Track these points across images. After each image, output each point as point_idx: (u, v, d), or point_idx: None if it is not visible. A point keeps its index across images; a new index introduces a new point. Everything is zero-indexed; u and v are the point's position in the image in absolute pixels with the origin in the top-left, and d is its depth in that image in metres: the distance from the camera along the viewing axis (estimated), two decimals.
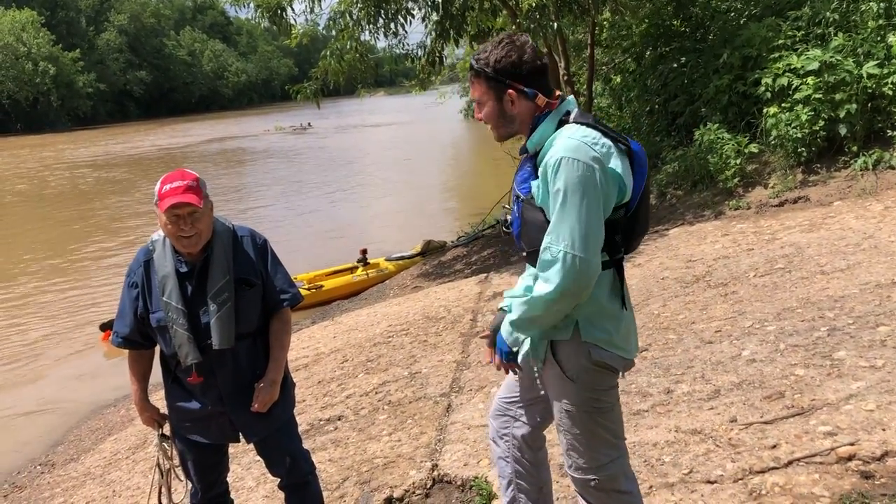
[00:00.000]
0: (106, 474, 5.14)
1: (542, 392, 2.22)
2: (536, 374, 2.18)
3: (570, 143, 1.94)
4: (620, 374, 2.12)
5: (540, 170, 1.99)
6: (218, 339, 2.57)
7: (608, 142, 1.98)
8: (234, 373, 2.67)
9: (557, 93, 2.11)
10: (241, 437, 2.79)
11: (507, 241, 10.57)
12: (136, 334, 2.67)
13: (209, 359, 2.60)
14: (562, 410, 2.11)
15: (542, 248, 1.95)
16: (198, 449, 2.81)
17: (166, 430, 2.83)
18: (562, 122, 2.04)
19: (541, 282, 1.96)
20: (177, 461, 2.86)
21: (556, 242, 1.91)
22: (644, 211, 2.08)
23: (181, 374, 2.66)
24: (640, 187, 2.03)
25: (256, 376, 2.71)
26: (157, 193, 2.49)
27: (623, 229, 2.04)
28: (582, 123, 2.01)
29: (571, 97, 2.12)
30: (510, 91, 2.05)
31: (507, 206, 2.39)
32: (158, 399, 2.85)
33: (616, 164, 1.97)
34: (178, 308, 2.55)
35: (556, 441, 2.33)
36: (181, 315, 2.54)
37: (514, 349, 2.16)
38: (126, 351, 2.79)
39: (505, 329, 2.15)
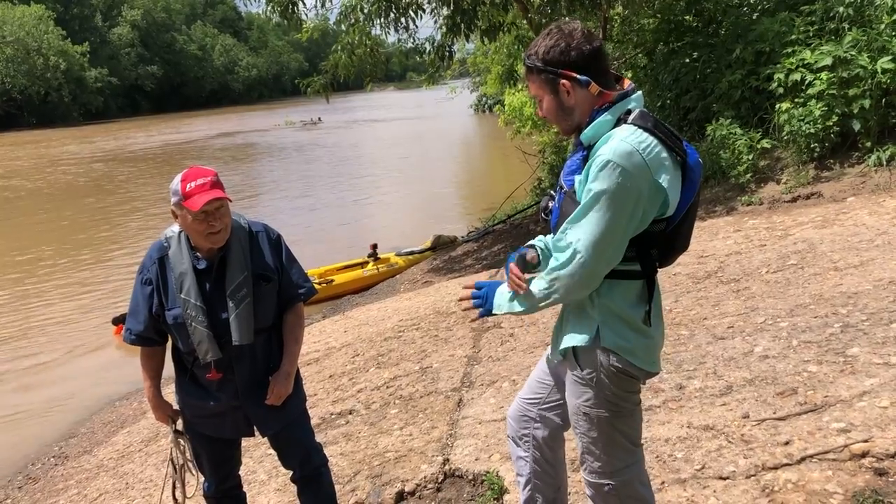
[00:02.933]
0: (119, 466, 5.18)
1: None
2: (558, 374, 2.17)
3: (622, 148, 1.85)
4: (642, 381, 2.09)
5: (586, 166, 1.92)
6: (238, 335, 2.58)
7: (663, 151, 1.89)
8: (251, 368, 2.69)
9: (626, 81, 2.01)
10: (255, 431, 2.81)
11: (517, 237, 10.57)
12: (150, 331, 2.67)
13: (228, 355, 2.61)
14: (579, 413, 2.09)
15: (560, 230, 1.95)
16: (211, 443, 2.83)
17: (179, 425, 2.85)
18: (621, 120, 1.93)
19: (549, 269, 1.97)
20: (190, 456, 2.88)
21: (573, 238, 1.89)
22: (687, 227, 2.00)
23: (198, 371, 2.67)
24: (686, 202, 1.95)
25: (271, 370, 2.73)
26: (181, 192, 2.47)
27: (660, 243, 1.97)
28: (640, 126, 1.90)
29: (639, 94, 2.00)
30: (563, 81, 1.95)
31: (552, 192, 2.30)
32: (169, 393, 2.87)
33: (665, 177, 1.87)
34: (196, 305, 2.55)
35: (570, 437, 2.33)
36: (200, 312, 2.55)
37: (495, 312, 2.13)
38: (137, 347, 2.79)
39: (503, 295, 2.12)
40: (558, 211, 2.05)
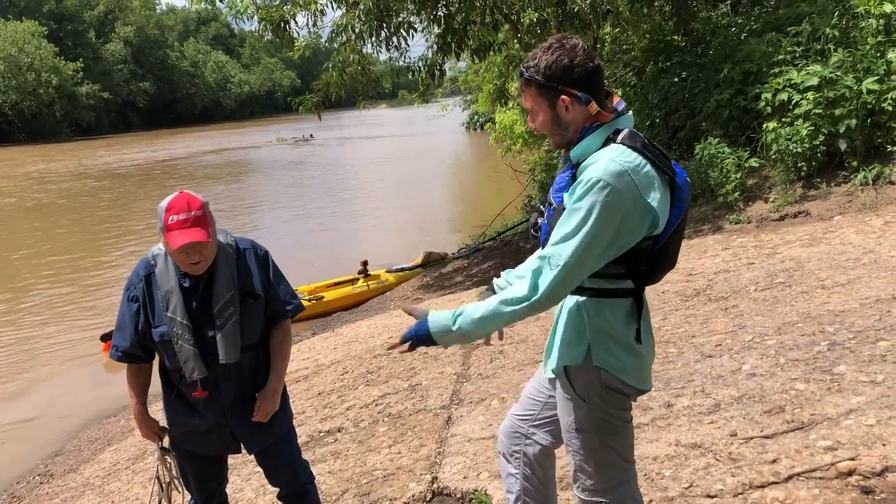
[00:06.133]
0: (105, 485, 5.13)
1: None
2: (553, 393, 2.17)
3: (612, 167, 1.84)
4: (633, 398, 2.09)
5: (574, 183, 1.92)
6: (224, 353, 2.57)
7: (652, 171, 1.89)
8: (237, 385, 2.68)
9: (616, 99, 2.02)
10: (241, 448, 2.80)
11: (507, 254, 10.59)
12: (137, 348, 2.66)
13: (214, 372, 2.61)
14: (571, 430, 2.09)
15: (543, 252, 1.90)
16: (197, 459, 2.82)
17: (166, 442, 2.83)
18: (609, 140, 1.93)
19: (525, 285, 1.89)
20: (176, 473, 2.87)
21: (558, 257, 1.85)
22: (674, 245, 2.00)
23: (185, 388, 2.66)
24: (675, 221, 1.95)
25: (258, 387, 2.72)
26: (163, 222, 2.45)
27: (648, 261, 1.96)
28: (629, 146, 1.90)
29: (629, 114, 2.01)
30: (563, 97, 1.95)
31: (542, 207, 2.29)
32: (157, 410, 2.86)
33: (654, 196, 1.87)
34: (183, 323, 2.54)
35: (560, 455, 2.33)
36: (187, 330, 2.54)
37: (431, 343, 2.00)
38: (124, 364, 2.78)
39: (445, 325, 1.98)
40: (547, 227, 2.04)
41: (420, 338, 2.02)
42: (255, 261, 2.72)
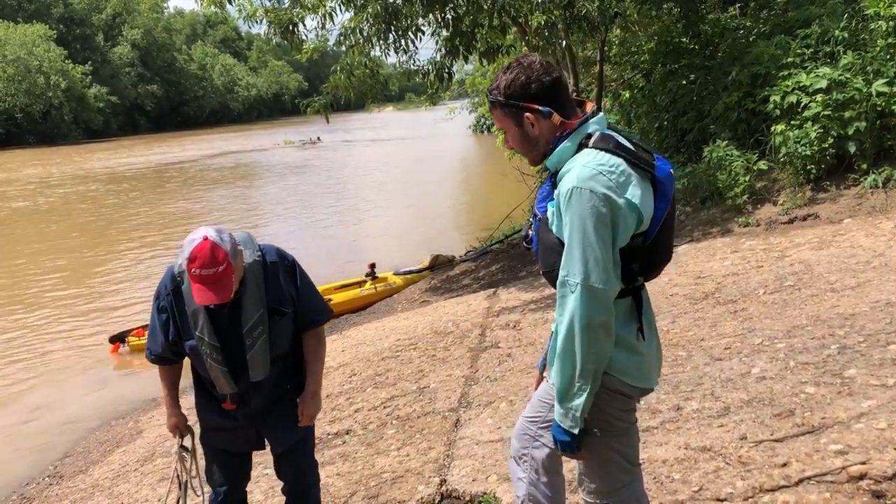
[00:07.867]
0: (114, 486, 5.15)
1: None
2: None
3: (584, 172, 1.89)
4: (637, 399, 2.10)
5: (555, 193, 1.95)
6: (254, 372, 2.61)
7: (628, 169, 1.91)
8: (265, 395, 2.72)
9: (589, 105, 2.05)
10: (265, 445, 2.84)
11: (515, 257, 10.58)
12: (168, 353, 2.70)
13: (243, 386, 2.64)
14: None
15: (559, 280, 1.92)
16: (223, 452, 2.88)
17: (187, 441, 2.87)
18: (583, 145, 1.97)
19: (562, 324, 1.91)
20: (195, 473, 2.90)
21: (573, 276, 1.87)
22: (665, 240, 2.02)
23: (216, 394, 2.72)
24: (661, 215, 1.96)
25: (286, 391, 2.76)
26: (186, 269, 2.42)
27: (640, 258, 1.97)
28: (601, 149, 1.94)
29: (600, 116, 2.04)
30: (527, 114, 2.00)
31: (531, 218, 2.36)
32: (188, 408, 2.89)
33: (634, 193, 1.90)
34: (211, 343, 2.55)
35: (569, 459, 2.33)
36: (215, 350, 2.56)
37: (576, 431, 1.98)
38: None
39: (557, 413, 2.00)
40: (536, 238, 2.10)
41: (561, 442, 2.03)
42: (283, 275, 2.71)
